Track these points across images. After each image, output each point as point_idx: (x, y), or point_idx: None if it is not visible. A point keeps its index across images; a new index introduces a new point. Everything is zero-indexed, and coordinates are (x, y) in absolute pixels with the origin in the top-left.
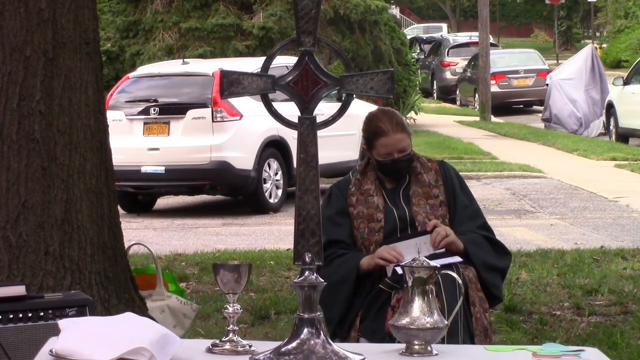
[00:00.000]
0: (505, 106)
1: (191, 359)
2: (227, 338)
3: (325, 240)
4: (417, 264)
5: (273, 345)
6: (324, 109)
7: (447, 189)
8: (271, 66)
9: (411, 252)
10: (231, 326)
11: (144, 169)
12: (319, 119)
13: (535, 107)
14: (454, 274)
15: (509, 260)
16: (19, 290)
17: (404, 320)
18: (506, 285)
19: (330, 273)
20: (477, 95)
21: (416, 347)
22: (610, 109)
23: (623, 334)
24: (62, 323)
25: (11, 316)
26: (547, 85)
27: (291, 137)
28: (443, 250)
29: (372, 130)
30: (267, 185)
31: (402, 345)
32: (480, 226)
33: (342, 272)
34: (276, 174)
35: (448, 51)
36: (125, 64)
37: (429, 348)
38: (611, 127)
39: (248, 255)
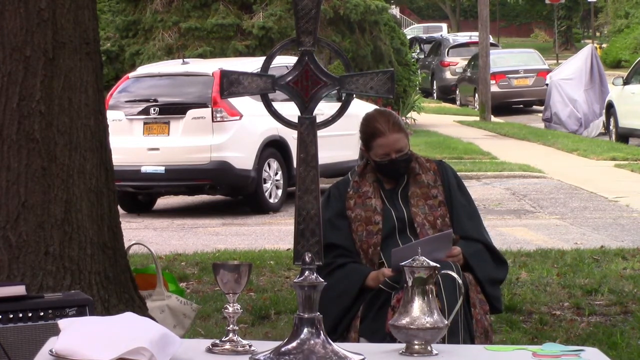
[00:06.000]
0: (505, 106)
1: (191, 359)
2: (227, 338)
3: (323, 244)
4: (417, 264)
5: (273, 345)
6: (324, 109)
7: (445, 189)
8: (271, 66)
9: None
10: (231, 326)
11: (144, 169)
12: (319, 119)
13: (535, 107)
14: (454, 274)
15: (507, 269)
16: (19, 290)
17: (404, 320)
18: (506, 285)
19: (328, 286)
20: (477, 95)
21: (416, 347)
22: (610, 109)
23: (623, 334)
24: (62, 323)
25: (11, 316)
26: (547, 85)
27: (291, 137)
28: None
29: (369, 131)
30: (267, 185)
31: (402, 345)
32: (478, 230)
33: (342, 288)
34: (276, 174)
35: (448, 51)
36: (125, 64)
37: (429, 348)
38: (611, 127)
39: (248, 255)
